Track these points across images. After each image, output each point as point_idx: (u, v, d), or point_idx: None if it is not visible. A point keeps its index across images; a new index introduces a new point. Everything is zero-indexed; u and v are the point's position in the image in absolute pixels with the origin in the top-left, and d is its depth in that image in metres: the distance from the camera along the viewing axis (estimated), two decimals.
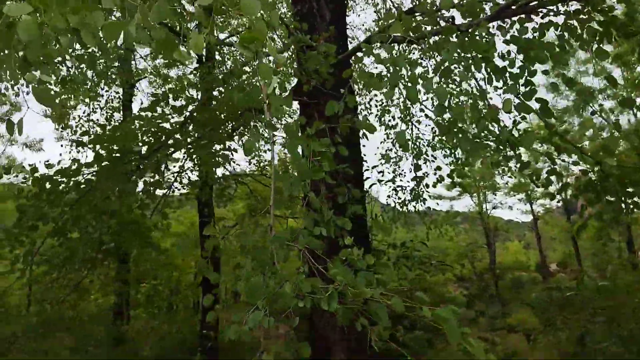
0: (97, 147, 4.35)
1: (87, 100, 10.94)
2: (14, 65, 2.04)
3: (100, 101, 12.10)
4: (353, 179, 6.03)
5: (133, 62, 13.81)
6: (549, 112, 2.83)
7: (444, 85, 2.86)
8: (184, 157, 8.31)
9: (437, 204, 10.12)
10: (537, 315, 8.55)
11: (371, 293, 2.02)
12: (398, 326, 6.91)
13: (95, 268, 5.39)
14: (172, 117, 5.15)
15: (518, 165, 3.97)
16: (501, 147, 5.01)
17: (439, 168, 6.15)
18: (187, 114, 5.27)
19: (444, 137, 8.58)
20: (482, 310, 7.89)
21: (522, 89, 2.96)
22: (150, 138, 4.62)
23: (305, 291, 2.08)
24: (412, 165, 6.73)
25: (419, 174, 6.55)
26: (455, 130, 3.16)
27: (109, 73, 12.36)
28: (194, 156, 7.18)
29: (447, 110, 2.93)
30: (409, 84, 2.86)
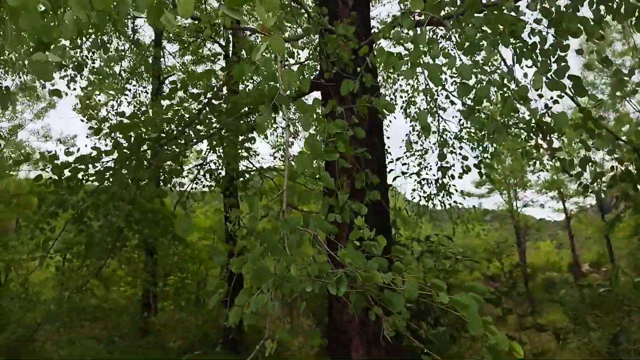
0: (115, 134, 4.32)
1: (112, 92, 11.04)
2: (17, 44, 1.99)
3: (127, 95, 12.22)
4: (374, 166, 5.87)
5: (162, 60, 13.94)
6: (582, 89, 2.61)
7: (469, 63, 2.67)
8: (207, 149, 8.29)
9: (464, 198, 9.75)
10: (568, 313, 8.20)
11: (382, 278, 1.87)
12: (421, 322, 6.76)
13: (115, 256, 5.39)
14: (191, 105, 5.08)
15: (549, 154, 3.74)
16: (531, 135, 4.77)
17: (465, 157, 5.90)
18: (205, 100, 5.19)
19: (470, 127, 8.33)
20: (510, 308, 7.63)
21: (554, 66, 2.76)
22: (169, 126, 4.55)
23: (313, 275, 1.95)
24: (437, 149, 6.48)
25: (444, 164, 6.31)
26: (479, 111, 2.97)
27: (138, 70, 12.49)
28: (217, 148, 7.13)
29: (472, 89, 2.74)
30: (431, 62, 2.69)
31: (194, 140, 6.76)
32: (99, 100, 12.23)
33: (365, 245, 2.40)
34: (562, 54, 2.72)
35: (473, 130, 8.05)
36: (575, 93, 2.64)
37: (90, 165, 4.49)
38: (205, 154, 8.82)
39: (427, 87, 8.72)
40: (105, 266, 6.20)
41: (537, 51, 2.77)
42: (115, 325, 11.68)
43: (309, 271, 1.96)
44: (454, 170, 6.28)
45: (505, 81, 2.87)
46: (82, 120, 4.35)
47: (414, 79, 9.17)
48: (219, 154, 7.35)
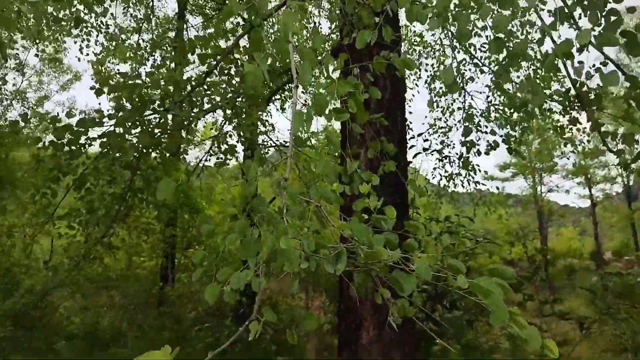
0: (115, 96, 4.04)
1: (128, 61, 10.80)
2: None
3: (146, 66, 11.98)
4: (394, 139, 5.51)
5: (185, 32, 13.66)
6: (637, 47, 2.22)
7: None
8: (222, 121, 8.00)
9: (488, 180, 9.32)
10: (593, 302, 7.82)
11: (390, 256, 1.57)
12: (436, 305, 6.47)
13: (117, 224, 5.20)
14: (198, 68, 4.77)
15: (590, 129, 3.36)
16: (568, 107, 4.35)
17: (493, 132, 5.49)
18: (214, 62, 4.87)
19: (498, 104, 7.86)
20: (531, 294, 7.29)
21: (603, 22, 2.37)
22: (175, 89, 4.24)
23: (310, 249, 1.65)
24: (461, 127, 6.07)
25: (470, 139, 5.90)
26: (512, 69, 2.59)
27: (161, 40, 12.22)
28: (233, 119, 6.83)
29: (506, 45, 2.38)
30: (460, 12, 2.33)
31: (205, 108, 6.48)
32: (117, 70, 12.00)
33: (375, 219, 2.09)
34: (615, 5, 2.32)
35: (501, 107, 7.59)
36: (628, 52, 2.25)
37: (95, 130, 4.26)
38: (220, 125, 8.55)
39: (453, 44, 8.26)
40: (115, 235, 6.04)
41: (585, 2, 2.38)
42: (132, 295, 11.73)
43: (305, 245, 1.66)
44: (479, 146, 5.88)
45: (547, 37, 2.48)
46: (93, 89, 4.06)
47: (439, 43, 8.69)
48: (234, 123, 7.06)
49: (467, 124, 6.10)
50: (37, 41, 10.82)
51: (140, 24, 11.48)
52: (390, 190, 5.15)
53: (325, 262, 1.57)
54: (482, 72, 6.98)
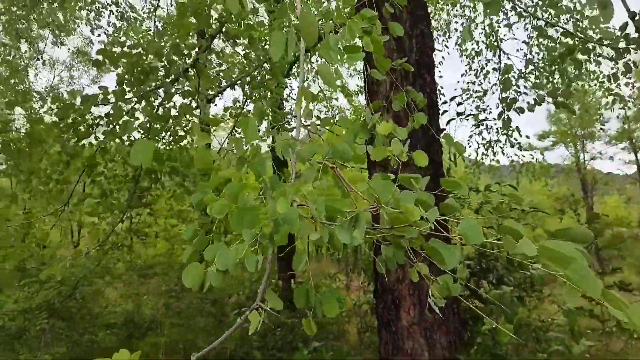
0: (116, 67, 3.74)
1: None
2: None
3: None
4: (422, 82, 5.03)
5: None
6: None
7: None
8: (243, 99, 7.68)
9: (527, 148, 8.66)
10: None
11: (425, 216, 1.17)
12: (481, 282, 6.00)
13: (131, 208, 4.96)
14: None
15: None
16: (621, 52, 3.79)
17: (537, 85, 4.87)
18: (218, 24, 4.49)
19: (538, 61, 7.20)
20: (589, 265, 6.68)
21: None
22: (179, 55, 3.91)
23: (320, 215, 1.27)
24: (499, 81, 5.49)
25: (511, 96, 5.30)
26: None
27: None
28: (253, 93, 6.49)
29: None
30: None
31: (223, 85, 6.15)
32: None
33: (402, 178, 1.67)
34: None
35: (541, 65, 6.94)
36: None
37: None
38: (241, 103, 8.23)
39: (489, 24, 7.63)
40: (140, 222, 5.83)
41: None
42: (173, 282, 11.73)
43: (316, 210, 1.28)
44: (519, 102, 5.26)
45: None
46: (96, 63, 3.75)
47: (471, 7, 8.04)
48: (254, 96, 6.70)
49: (505, 76, 5.50)
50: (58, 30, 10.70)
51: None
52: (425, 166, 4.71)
53: (338, 229, 1.19)
54: (520, 16, 6.32)
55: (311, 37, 1.47)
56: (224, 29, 4.27)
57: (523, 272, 5.28)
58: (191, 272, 1.26)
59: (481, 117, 7.40)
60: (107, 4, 9.46)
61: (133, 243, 6.18)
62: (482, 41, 7.62)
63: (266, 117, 5.66)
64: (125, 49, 3.71)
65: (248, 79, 6.27)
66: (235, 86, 6.97)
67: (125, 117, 3.83)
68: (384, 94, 4.75)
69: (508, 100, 5.07)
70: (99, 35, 10.03)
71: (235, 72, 6.61)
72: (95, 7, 9.71)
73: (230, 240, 1.48)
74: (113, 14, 9.68)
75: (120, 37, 8.79)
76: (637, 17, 2.97)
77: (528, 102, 5.70)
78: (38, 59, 15.16)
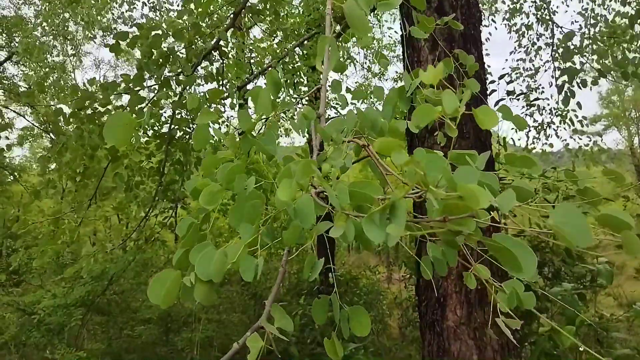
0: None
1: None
2: None
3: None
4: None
5: None
6: None
7: None
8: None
9: (578, 133, 7.96)
10: None
11: (494, 204, 0.79)
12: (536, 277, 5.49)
13: (155, 201, 4.74)
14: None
15: None
16: None
17: (600, 52, 4.25)
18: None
19: (597, 32, 6.52)
20: None
21: None
22: (200, 36, 3.60)
23: (343, 203, 0.92)
24: (551, 57, 4.90)
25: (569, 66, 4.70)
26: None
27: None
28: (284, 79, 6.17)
29: None
30: None
31: (255, 72, 5.87)
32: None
33: (453, 156, 1.28)
34: None
35: (600, 37, 6.27)
36: None
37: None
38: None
39: None
40: (171, 215, 5.63)
41: None
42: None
43: (336, 197, 0.93)
44: (583, 76, 4.67)
45: None
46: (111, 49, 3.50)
47: None
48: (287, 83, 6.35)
49: (565, 44, 4.89)
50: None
51: None
52: (468, 144, 4.26)
53: (366, 223, 0.83)
54: None
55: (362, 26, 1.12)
56: (248, 3, 3.95)
57: (584, 266, 4.75)
58: (160, 282, 0.92)
59: (532, 97, 6.80)
60: None
61: (163, 237, 6.00)
62: (533, 13, 7.00)
63: (284, 90, 5.33)
64: (142, 31, 3.45)
65: (281, 64, 5.95)
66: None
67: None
68: (426, 60, 4.32)
69: (571, 71, 4.49)
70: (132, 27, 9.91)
71: (267, 60, 6.31)
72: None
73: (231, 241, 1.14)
74: (146, 5, 9.57)
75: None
76: None
77: (593, 71, 5.06)
78: (74, 56, 15.41)
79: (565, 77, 4.63)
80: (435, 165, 0.92)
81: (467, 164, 1.27)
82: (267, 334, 1.04)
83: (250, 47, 5.60)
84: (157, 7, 8.98)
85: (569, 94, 4.63)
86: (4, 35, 15.73)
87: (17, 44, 14.78)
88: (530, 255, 0.90)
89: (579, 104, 5.28)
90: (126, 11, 9.64)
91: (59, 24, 12.43)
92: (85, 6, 10.06)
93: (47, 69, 16.24)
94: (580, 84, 4.46)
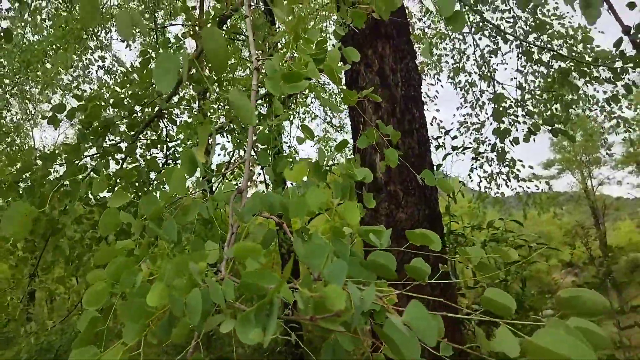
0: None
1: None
2: None
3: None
4: (411, 140, 4.73)
5: None
6: None
7: None
8: (233, 150, 7.40)
9: (532, 178, 8.28)
10: None
11: (344, 300, 0.79)
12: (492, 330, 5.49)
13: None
14: None
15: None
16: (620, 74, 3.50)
17: (530, 113, 4.47)
18: None
19: (534, 89, 6.93)
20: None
21: None
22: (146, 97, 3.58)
23: (229, 297, 0.91)
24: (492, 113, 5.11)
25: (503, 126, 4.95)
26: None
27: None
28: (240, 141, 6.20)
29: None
30: None
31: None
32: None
33: (363, 233, 1.31)
34: None
35: (538, 91, 6.66)
36: None
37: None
38: (232, 152, 7.98)
39: (481, 55, 7.43)
40: None
41: None
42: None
43: (219, 292, 0.92)
44: (514, 134, 4.91)
45: None
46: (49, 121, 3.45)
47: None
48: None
49: (497, 104, 5.16)
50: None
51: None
52: (415, 200, 4.35)
53: (239, 324, 0.82)
54: (505, 41, 6.07)
55: (220, 65, 1.16)
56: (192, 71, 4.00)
57: (535, 318, 4.79)
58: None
59: (480, 149, 7.06)
60: (94, 59, 9.45)
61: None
62: (475, 72, 7.40)
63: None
64: (81, 103, 3.44)
65: (232, 124, 6.02)
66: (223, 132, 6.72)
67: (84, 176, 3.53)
68: (370, 120, 4.47)
69: (501, 131, 4.73)
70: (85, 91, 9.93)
71: (222, 118, 6.36)
72: (83, 62, 9.71)
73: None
74: (101, 69, 9.65)
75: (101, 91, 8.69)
76: (632, 32, 2.68)
77: (525, 129, 5.35)
78: (29, 119, 15.23)
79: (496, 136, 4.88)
80: (318, 254, 0.94)
81: (371, 241, 1.30)
82: None
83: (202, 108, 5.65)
84: (111, 70, 9.08)
85: (500, 152, 4.87)
86: None
87: None
88: (413, 344, 0.90)
89: (512, 160, 5.51)
90: (81, 75, 9.66)
91: (15, 84, 12.36)
92: (40, 71, 10.05)
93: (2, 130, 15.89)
94: (512, 142, 4.70)
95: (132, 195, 3.73)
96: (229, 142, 7.14)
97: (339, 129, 15.07)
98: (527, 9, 5.36)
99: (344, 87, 2.11)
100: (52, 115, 3.36)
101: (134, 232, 1.32)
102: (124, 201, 1.55)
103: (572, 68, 4.34)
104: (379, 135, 2.12)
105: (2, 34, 3.23)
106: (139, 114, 3.68)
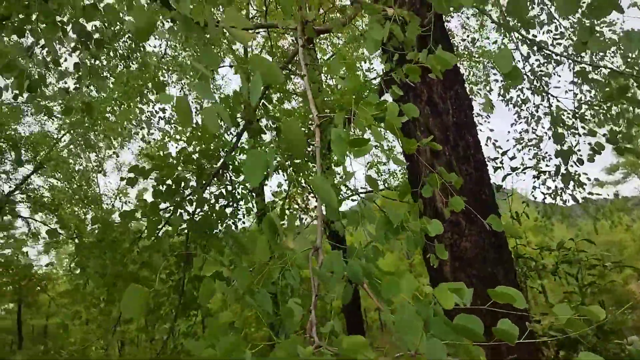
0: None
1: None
2: None
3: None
4: (468, 165, 4.70)
5: None
6: None
7: None
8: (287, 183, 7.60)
9: (598, 185, 7.95)
10: None
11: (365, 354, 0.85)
12: (572, 353, 5.26)
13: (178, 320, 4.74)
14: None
15: None
16: None
17: (592, 132, 4.33)
18: None
19: (590, 99, 6.71)
20: None
21: None
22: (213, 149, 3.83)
23: None
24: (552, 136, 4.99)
25: (564, 147, 4.81)
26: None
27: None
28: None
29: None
30: None
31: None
32: None
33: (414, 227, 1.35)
34: None
35: (595, 102, 6.44)
36: None
37: None
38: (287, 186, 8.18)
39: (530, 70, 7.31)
40: (194, 322, 5.63)
41: None
42: None
43: None
44: (579, 154, 4.77)
45: None
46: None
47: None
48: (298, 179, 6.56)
49: (555, 127, 5.03)
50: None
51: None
52: (478, 228, 4.31)
53: None
54: (557, 63, 5.94)
55: (299, 153, 1.27)
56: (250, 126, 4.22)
57: (619, 342, 4.55)
58: None
59: (541, 165, 6.87)
60: (155, 111, 10.06)
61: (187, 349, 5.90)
62: (527, 88, 7.24)
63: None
64: (155, 162, 3.71)
65: (288, 162, 6.20)
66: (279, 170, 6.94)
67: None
68: (424, 150, 4.54)
69: (564, 152, 4.60)
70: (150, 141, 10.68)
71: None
72: (146, 115, 10.36)
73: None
74: (162, 119, 10.26)
75: (163, 141, 9.22)
76: None
77: (590, 144, 5.18)
78: (98, 169, 16.22)
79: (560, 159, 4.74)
80: (411, 329, 1.00)
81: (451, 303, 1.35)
82: None
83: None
84: (171, 120, 9.63)
85: (565, 175, 4.71)
86: (30, 152, 16.68)
87: (40, 157, 15.68)
88: None
89: (579, 181, 5.30)
90: (141, 126, 10.32)
91: (80, 136, 13.29)
92: (105, 122, 10.77)
93: (71, 179, 16.93)
94: (576, 162, 4.55)
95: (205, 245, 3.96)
96: (285, 180, 7.36)
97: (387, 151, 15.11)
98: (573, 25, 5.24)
99: (403, 137, 2.18)
100: (133, 178, 3.63)
101: (229, 303, 1.43)
102: (215, 269, 1.68)
103: (631, 81, 4.18)
104: (442, 181, 2.17)
105: (84, 107, 3.56)
106: (207, 167, 3.91)
